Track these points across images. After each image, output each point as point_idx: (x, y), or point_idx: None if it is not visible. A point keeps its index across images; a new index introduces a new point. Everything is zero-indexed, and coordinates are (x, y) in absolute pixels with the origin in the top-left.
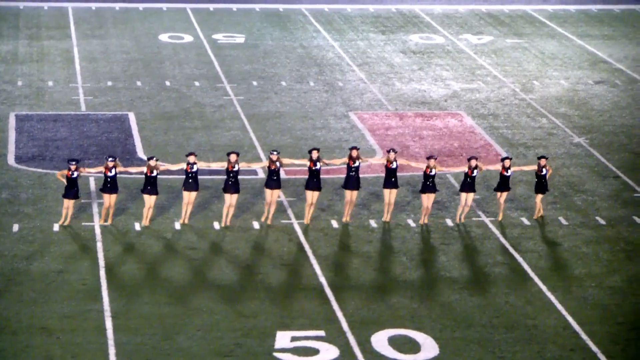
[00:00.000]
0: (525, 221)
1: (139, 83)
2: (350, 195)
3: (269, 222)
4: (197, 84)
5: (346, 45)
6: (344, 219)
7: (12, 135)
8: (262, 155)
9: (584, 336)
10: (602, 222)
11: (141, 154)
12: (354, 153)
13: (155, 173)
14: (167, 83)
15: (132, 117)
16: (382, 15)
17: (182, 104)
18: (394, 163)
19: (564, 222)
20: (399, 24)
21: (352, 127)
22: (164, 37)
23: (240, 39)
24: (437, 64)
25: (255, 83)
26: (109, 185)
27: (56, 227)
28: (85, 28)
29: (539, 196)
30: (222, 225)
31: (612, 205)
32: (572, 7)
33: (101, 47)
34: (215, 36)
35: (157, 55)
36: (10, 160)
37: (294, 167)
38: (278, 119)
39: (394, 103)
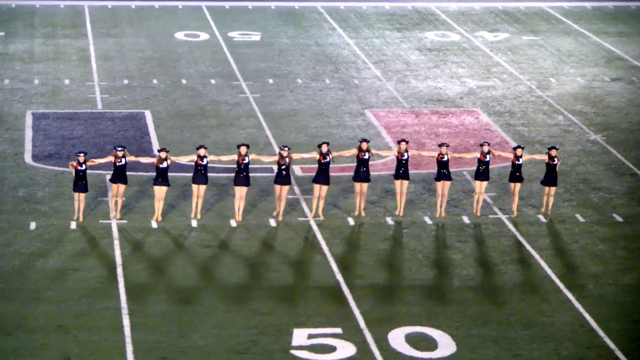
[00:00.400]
0: (542, 218)
1: (154, 81)
2: (360, 187)
3: (279, 218)
4: (212, 81)
5: (362, 42)
6: (356, 213)
7: (28, 134)
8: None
9: (600, 334)
10: (619, 219)
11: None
12: (364, 145)
13: (165, 164)
14: (183, 81)
15: (148, 115)
16: (397, 12)
17: (197, 101)
18: (405, 154)
19: (580, 219)
20: (415, 21)
21: (368, 125)
22: (179, 35)
23: (255, 36)
24: (453, 61)
25: (270, 81)
26: (119, 174)
27: (73, 225)
28: (101, 26)
29: (547, 189)
30: (237, 220)
31: (628, 203)
32: (588, 4)
33: (117, 45)
34: (230, 34)
35: (173, 53)
36: (27, 158)
37: (305, 162)
38: (293, 117)
39: (409, 100)
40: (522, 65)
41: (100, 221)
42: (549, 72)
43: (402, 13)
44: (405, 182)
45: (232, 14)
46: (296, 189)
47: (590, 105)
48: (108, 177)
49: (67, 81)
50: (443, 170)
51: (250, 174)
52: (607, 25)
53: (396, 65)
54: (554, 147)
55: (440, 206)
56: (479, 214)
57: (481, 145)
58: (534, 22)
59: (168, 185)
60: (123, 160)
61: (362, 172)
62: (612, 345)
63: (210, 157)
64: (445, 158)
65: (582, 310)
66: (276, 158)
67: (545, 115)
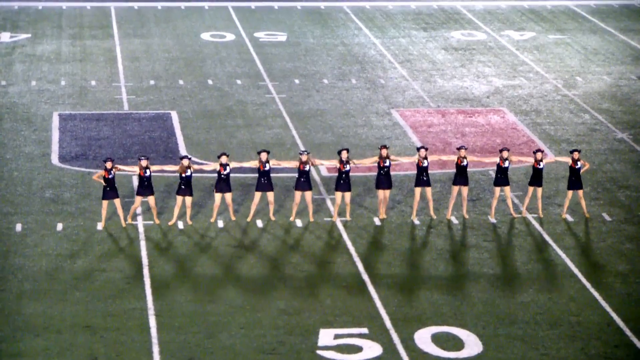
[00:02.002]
0: (568, 217)
1: (181, 82)
2: (383, 194)
3: (310, 219)
4: (239, 82)
5: (388, 42)
6: (380, 217)
7: (55, 135)
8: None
9: (628, 332)
10: None
11: (184, 152)
12: (384, 152)
13: (189, 172)
14: (209, 81)
15: (174, 115)
16: (423, 12)
17: (224, 102)
18: (425, 161)
19: (607, 218)
20: (441, 20)
21: (394, 125)
22: (205, 36)
23: (281, 37)
24: (479, 60)
25: (297, 81)
26: (145, 186)
27: (99, 226)
28: (128, 27)
29: (571, 192)
30: (249, 219)
31: None
32: (614, 2)
33: (143, 46)
34: (256, 34)
35: (199, 53)
36: (54, 159)
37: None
38: (320, 117)
39: (435, 100)
40: (548, 64)
41: (127, 222)
42: (576, 71)
43: (428, 12)
44: (428, 189)
45: (258, 14)
46: (321, 188)
47: (617, 104)
48: (134, 178)
49: (93, 82)
50: (461, 175)
51: (272, 175)
52: (633, 23)
53: (422, 64)
54: (576, 150)
55: (451, 208)
56: (514, 215)
57: (500, 151)
58: (560, 21)
59: (191, 195)
60: (148, 171)
61: (382, 178)
62: (639, 345)
63: (233, 164)
64: (465, 162)
65: (609, 309)
66: (297, 164)
67: (572, 114)
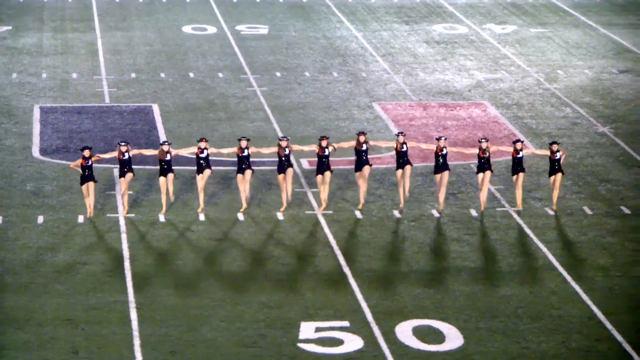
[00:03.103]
0: (549, 211)
1: (162, 75)
2: (361, 175)
3: (288, 200)
4: (220, 75)
5: (370, 35)
6: (360, 206)
7: (36, 128)
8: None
9: (609, 326)
10: (627, 211)
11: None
12: (362, 138)
13: (168, 157)
14: (191, 74)
15: (156, 108)
16: (405, 5)
17: (205, 95)
18: (404, 146)
19: (588, 211)
20: (423, 14)
21: (376, 118)
22: (187, 29)
23: (263, 30)
24: (461, 54)
25: (278, 74)
26: (126, 169)
27: (80, 219)
28: (109, 20)
29: (552, 179)
30: (243, 209)
31: (637, 195)
32: None
33: (125, 39)
34: (238, 27)
35: (181, 46)
36: (35, 152)
37: (307, 155)
38: (302, 110)
39: (417, 93)
40: (530, 58)
41: (108, 215)
42: (557, 65)
43: (410, 6)
44: (408, 168)
45: (240, 7)
46: (303, 181)
47: (599, 98)
48: (115, 170)
49: (75, 75)
50: (440, 162)
51: (253, 167)
52: (615, 17)
53: (404, 58)
54: (555, 142)
55: (441, 198)
56: (482, 209)
57: (479, 141)
58: (542, 15)
59: (172, 172)
60: (127, 154)
61: (362, 162)
62: (620, 338)
63: (211, 150)
64: (445, 152)
65: (590, 302)
66: (275, 149)
67: (553, 107)
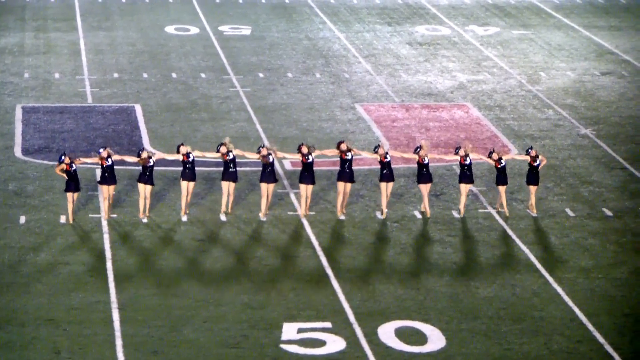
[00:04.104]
0: (531, 213)
1: (145, 75)
2: (344, 187)
3: (262, 216)
4: (203, 75)
5: (352, 36)
6: (338, 213)
7: (18, 128)
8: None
9: (590, 328)
10: (609, 213)
11: (148, 145)
12: (343, 146)
13: (151, 163)
14: (174, 75)
15: (138, 109)
16: (388, 6)
17: (188, 95)
18: (387, 157)
19: (570, 213)
20: (405, 15)
21: (358, 119)
22: (170, 29)
23: (246, 30)
24: (444, 55)
25: (261, 75)
26: (107, 175)
27: (63, 219)
28: (92, 20)
29: (532, 188)
30: (222, 211)
31: (619, 197)
32: None
33: (107, 39)
34: (221, 28)
35: (164, 47)
36: (17, 152)
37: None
38: (284, 111)
39: (400, 95)
40: (512, 60)
41: (90, 215)
42: (539, 66)
43: (393, 7)
44: (391, 184)
45: (222, 7)
46: (285, 182)
47: (581, 99)
48: (98, 171)
49: (57, 75)
50: (423, 171)
51: (238, 169)
52: (597, 19)
53: (387, 59)
54: (531, 147)
55: (425, 205)
56: (462, 214)
57: (456, 151)
58: (525, 16)
59: (152, 184)
60: (110, 160)
61: (345, 172)
62: (602, 340)
63: (196, 153)
64: (426, 161)
65: (572, 304)
66: (259, 156)
67: (536, 109)
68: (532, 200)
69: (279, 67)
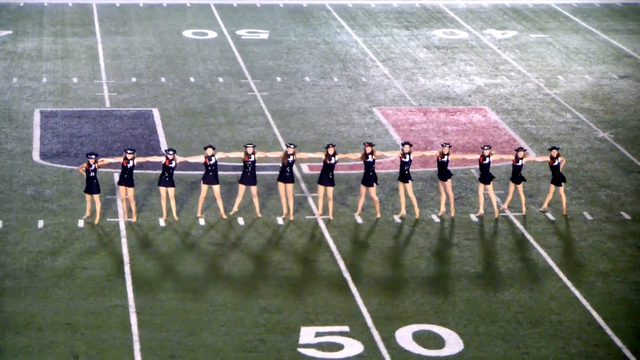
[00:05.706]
0: (550, 216)
1: (163, 79)
2: (365, 190)
3: (290, 217)
4: (220, 80)
5: (370, 40)
6: (357, 213)
7: (36, 132)
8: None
9: (608, 331)
10: (627, 217)
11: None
12: (368, 149)
13: (173, 164)
14: (191, 79)
15: (156, 113)
16: (405, 10)
17: (206, 100)
18: (407, 156)
19: (588, 217)
20: (423, 19)
21: (376, 123)
22: (187, 33)
23: (264, 34)
24: (461, 59)
25: (279, 79)
26: (126, 177)
27: (81, 223)
28: (110, 25)
29: (553, 187)
30: (231, 213)
31: (637, 200)
32: (596, 2)
33: (125, 43)
34: (238, 32)
35: (181, 51)
36: (35, 156)
37: (311, 161)
38: (302, 115)
39: (417, 98)
40: (530, 63)
41: (108, 219)
42: (557, 70)
43: (410, 11)
44: (408, 185)
45: (240, 12)
46: (303, 186)
47: (599, 103)
48: (116, 175)
49: (75, 79)
50: (442, 169)
51: (257, 172)
52: (615, 22)
53: (404, 63)
54: (554, 148)
55: (443, 203)
56: (496, 214)
57: (482, 148)
58: (542, 20)
59: (173, 186)
60: (132, 162)
61: (368, 175)
62: (620, 343)
63: (219, 155)
64: (446, 159)
65: (590, 308)
66: (282, 154)
67: (553, 113)
68: (562, 201)
69: (296, 71)
